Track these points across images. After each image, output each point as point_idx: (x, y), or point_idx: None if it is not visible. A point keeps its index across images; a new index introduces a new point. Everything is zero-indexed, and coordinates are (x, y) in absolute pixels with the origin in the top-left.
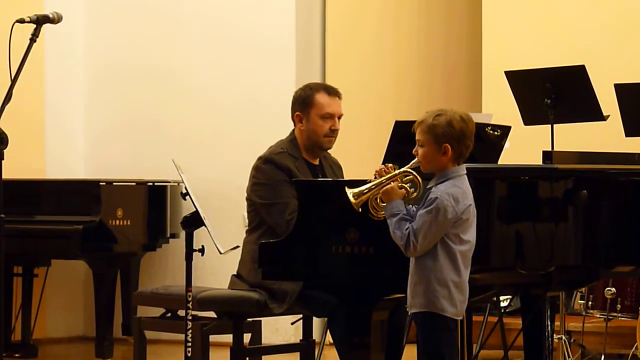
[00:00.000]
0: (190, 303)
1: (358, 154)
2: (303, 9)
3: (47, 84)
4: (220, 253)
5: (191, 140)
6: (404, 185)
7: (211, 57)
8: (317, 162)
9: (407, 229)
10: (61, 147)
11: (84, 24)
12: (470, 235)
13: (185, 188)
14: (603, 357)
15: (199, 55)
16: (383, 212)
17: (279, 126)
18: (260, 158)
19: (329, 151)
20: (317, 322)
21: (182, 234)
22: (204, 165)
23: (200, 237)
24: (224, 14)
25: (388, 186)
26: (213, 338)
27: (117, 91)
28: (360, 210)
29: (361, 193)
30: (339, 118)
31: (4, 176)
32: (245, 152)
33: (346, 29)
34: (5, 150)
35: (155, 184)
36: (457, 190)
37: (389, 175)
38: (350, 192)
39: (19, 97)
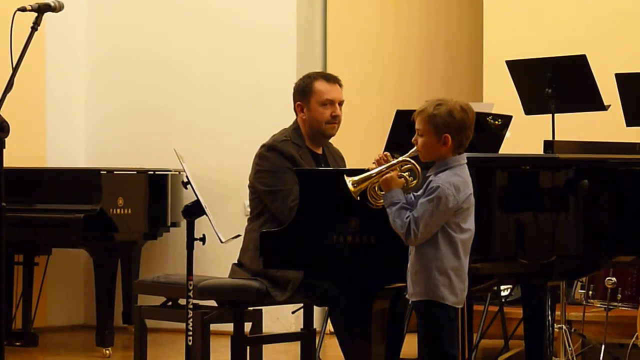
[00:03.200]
0: (191, 292)
1: (358, 143)
2: (304, 2)
3: (48, 72)
4: (221, 242)
5: (192, 129)
6: (403, 174)
7: (212, 46)
8: (320, 151)
9: (407, 218)
10: (62, 135)
11: (85, 13)
12: (470, 223)
13: (187, 177)
14: (603, 346)
15: (200, 44)
16: (382, 201)
17: (280, 115)
18: (263, 146)
19: (330, 141)
20: (317, 311)
21: (183, 222)
22: (205, 154)
23: (201, 226)
24: (225, 3)
25: (387, 175)
26: (214, 327)
27: (118, 79)
28: (358, 198)
29: (360, 181)
30: (340, 104)
31: (4, 164)
32: (246, 141)
33: (347, 18)
34: (6, 139)
35: (156, 172)
36: (458, 179)
37: (388, 164)
38: (349, 180)
39: (20, 86)
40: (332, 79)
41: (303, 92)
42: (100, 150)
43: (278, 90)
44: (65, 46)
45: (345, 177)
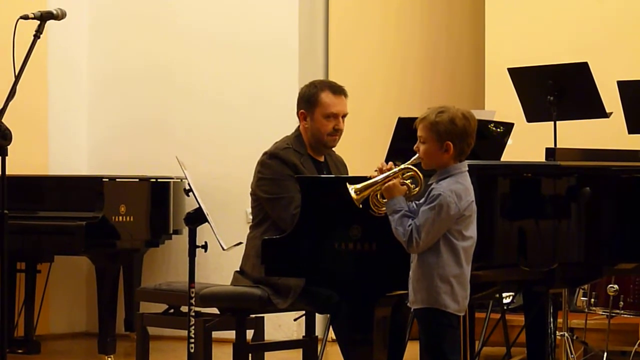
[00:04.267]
0: (193, 299)
1: (361, 151)
2: (306, 6)
3: (50, 80)
4: (223, 249)
5: (194, 136)
6: (405, 181)
7: (214, 55)
8: (322, 158)
9: (409, 226)
10: (64, 143)
11: (87, 22)
12: (472, 231)
13: (189, 184)
14: (605, 354)
15: (202, 52)
16: (384, 208)
17: (282, 123)
18: (265, 153)
19: (334, 149)
20: (319, 318)
21: (185, 230)
22: (206, 161)
23: (203, 233)
24: (226, 10)
25: (390, 182)
26: (216, 334)
27: (120, 88)
28: (361, 206)
29: (363, 189)
30: (344, 117)
31: (7, 172)
32: (248, 148)
33: (349, 26)
34: (8, 147)
35: (158, 180)
36: (459, 187)
37: (390, 172)
38: (351, 188)
39: (23, 94)
40: (339, 91)
41: (308, 101)
42: (102, 158)
43: (280, 98)
44: (68, 56)
45: (348, 185)
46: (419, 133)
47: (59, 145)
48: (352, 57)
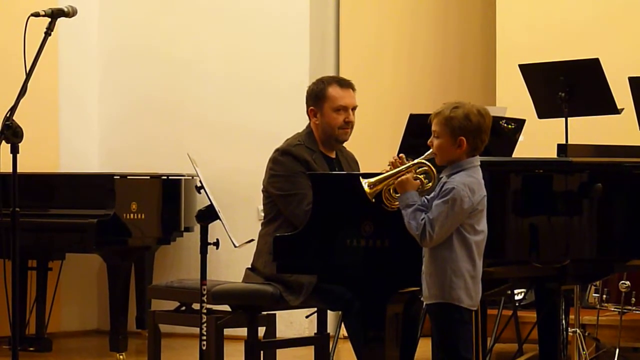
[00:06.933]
0: (205, 296)
1: (372, 147)
2: (317, 0)
3: (61, 77)
4: (235, 246)
5: (206, 133)
6: (418, 176)
7: (225, 49)
8: (333, 155)
9: (422, 220)
10: (75, 141)
11: (98, 18)
12: (483, 225)
13: (200, 181)
14: (617, 350)
15: (212, 48)
16: (397, 203)
17: (294, 120)
18: (277, 150)
19: (345, 145)
20: (331, 315)
21: (197, 227)
22: (218, 158)
23: (214, 230)
24: (239, 2)
25: (403, 177)
26: (227, 331)
27: (130, 81)
28: (374, 200)
29: (376, 182)
30: (354, 110)
31: (18, 170)
32: (260, 145)
33: (360, 22)
34: (20, 144)
35: (170, 177)
36: (472, 181)
37: (403, 166)
38: (365, 182)
39: (34, 91)
40: (346, 84)
41: (316, 97)
42: (113, 158)
43: (291, 94)
44: (78, 50)
45: (361, 179)
46: (433, 128)
47: (70, 143)
48: (363, 53)
